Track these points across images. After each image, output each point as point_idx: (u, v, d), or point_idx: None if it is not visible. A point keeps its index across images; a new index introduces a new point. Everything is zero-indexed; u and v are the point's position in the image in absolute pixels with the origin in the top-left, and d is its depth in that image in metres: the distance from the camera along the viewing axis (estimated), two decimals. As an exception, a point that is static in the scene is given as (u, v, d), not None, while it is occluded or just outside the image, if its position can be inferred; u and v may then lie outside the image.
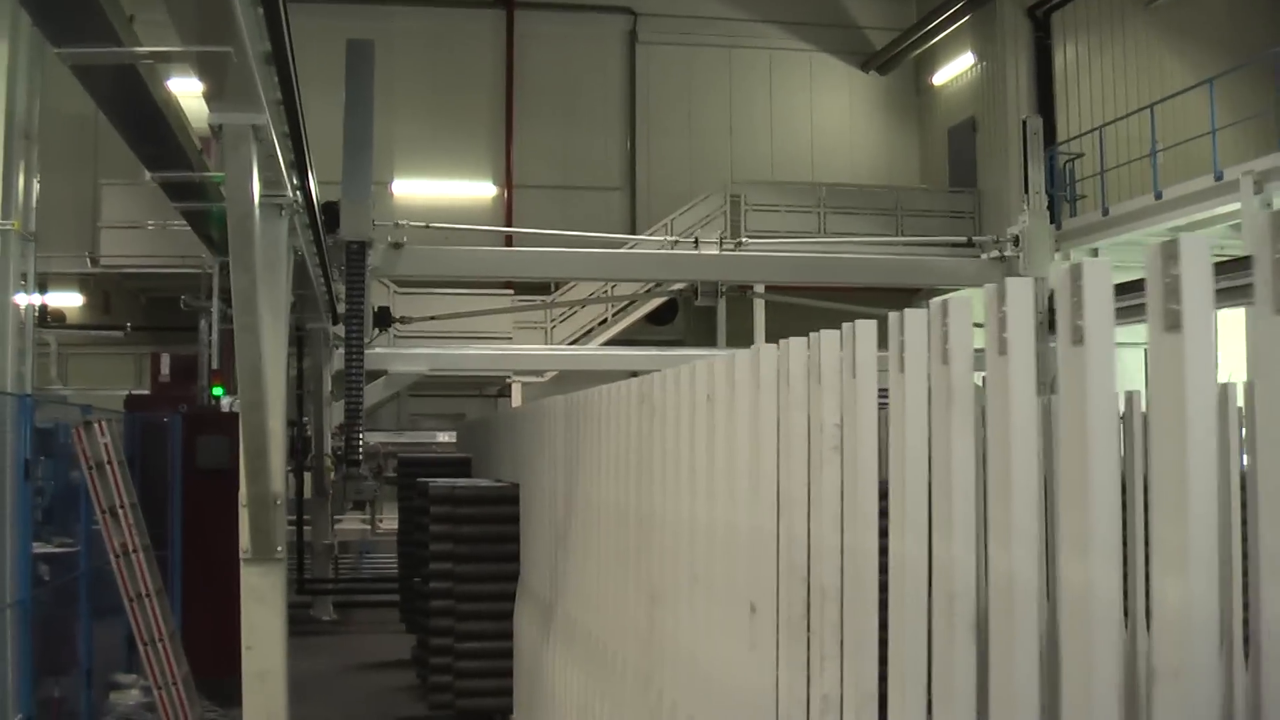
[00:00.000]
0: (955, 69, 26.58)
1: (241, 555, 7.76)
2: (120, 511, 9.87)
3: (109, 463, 9.77)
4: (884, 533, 3.22)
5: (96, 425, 9.75)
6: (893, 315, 3.10)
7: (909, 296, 25.79)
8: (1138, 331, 3.02)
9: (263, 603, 7.68)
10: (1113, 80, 24.77)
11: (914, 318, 3.08)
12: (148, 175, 8.90)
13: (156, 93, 5.90)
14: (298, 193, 8.03)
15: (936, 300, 2.99)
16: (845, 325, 3.53)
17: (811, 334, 3.70)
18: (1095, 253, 22.24)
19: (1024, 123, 18.21)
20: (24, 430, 8.91)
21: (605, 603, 6.50)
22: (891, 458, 3.18)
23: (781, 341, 3.89)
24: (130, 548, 9.94)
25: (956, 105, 26.70)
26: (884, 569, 3.22)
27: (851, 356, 3.53)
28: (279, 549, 7.72)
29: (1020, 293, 2.66)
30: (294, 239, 9.29)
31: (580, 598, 7.21)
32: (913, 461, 3.09)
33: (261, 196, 6.96)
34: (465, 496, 9.94)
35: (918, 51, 26.96)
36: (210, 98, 5.75)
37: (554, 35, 26.79)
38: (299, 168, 8.07)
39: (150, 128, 6.44)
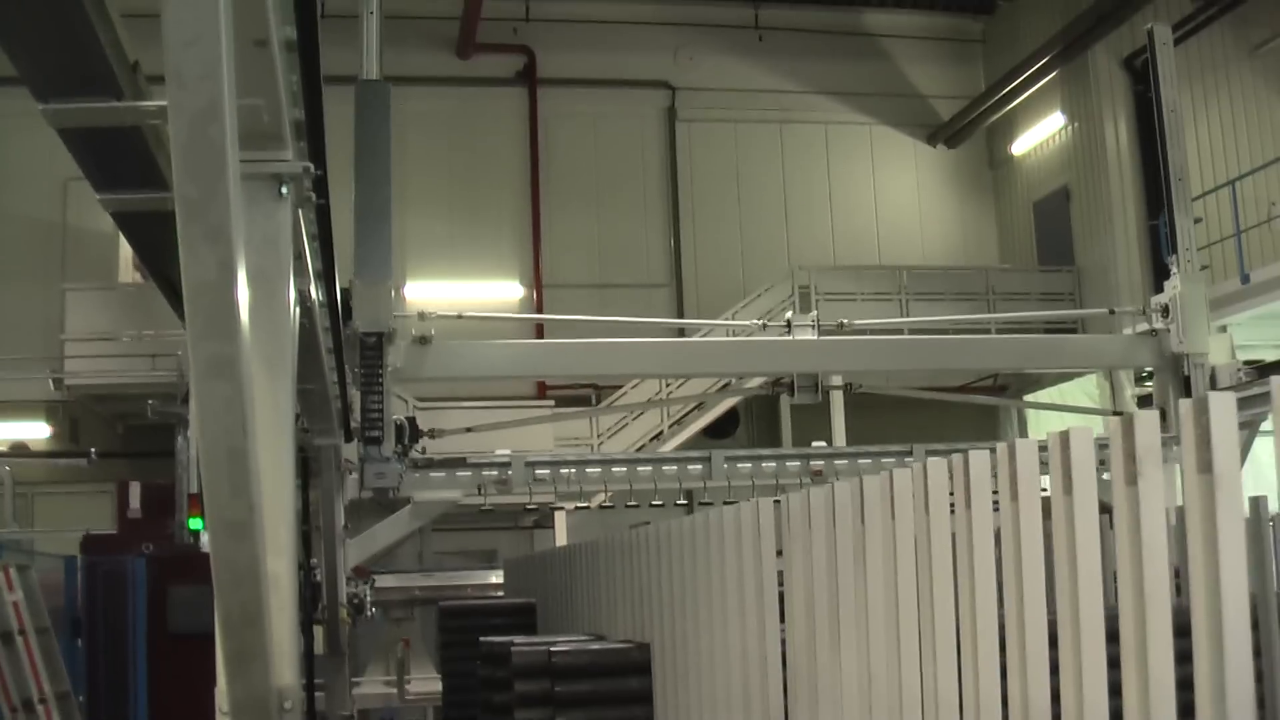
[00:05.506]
0: (1039, 135, 23.53)
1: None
2: (41, 708, 6.40)
3: (20, 633, 6.32)
4: None
5: (1, 575, 6.31)
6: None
7: (996, 389, 22.62)
8: None
9: None
10: (1220, 134, 21.79)
11: None
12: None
13: None
14: (308, 170, 4.66)
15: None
16: None
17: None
18: (1224, 329, 19.13)
19: (1164, 161, 14.83)
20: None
21: None
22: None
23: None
24: (57, 766, 6.46)
25: (1043, 175, 23.60)
26: None
27: None
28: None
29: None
30: (302, 280, 5.99)
31: None
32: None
33: (247, 161, 3.76)
34: (570, 667, 6.47)
35: (991, 119, 23.97)
36: None
37: (583, 115, 23.71)
38: (312, 129, 4.75)
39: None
